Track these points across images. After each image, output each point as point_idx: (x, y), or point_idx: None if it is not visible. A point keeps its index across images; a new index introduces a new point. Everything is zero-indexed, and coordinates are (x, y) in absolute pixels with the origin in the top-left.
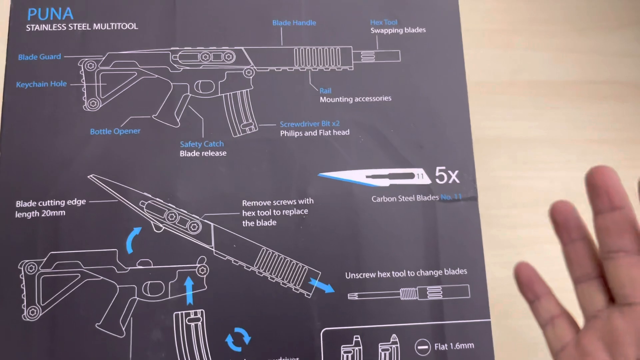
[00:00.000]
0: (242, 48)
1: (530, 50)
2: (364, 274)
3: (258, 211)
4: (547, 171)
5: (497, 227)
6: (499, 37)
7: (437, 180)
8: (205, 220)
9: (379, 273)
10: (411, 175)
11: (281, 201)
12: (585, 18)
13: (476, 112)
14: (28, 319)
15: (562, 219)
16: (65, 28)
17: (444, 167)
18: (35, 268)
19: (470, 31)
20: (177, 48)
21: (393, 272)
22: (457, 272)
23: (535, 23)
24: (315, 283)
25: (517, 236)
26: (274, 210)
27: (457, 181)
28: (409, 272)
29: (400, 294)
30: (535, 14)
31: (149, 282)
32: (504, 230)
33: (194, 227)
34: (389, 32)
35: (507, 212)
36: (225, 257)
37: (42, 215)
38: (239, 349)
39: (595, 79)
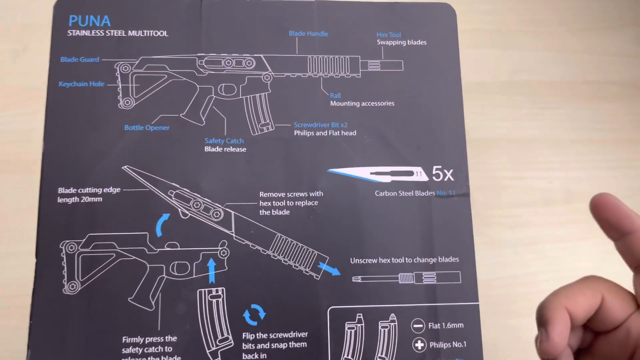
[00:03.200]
0: (262, 55)
1: (530, 50)
2: (366, 260)
3: (273, 202)
4: (547, 171)
5: (497, 227)
6: (499, 38)
7: (434, 178)
8: (226, 209)
9: (380, 259)
10: (410, 173)
11: (294, 193)
12: (585, 18)
13: (476, 112)
14: (68, 293)
15: (603, 217)
16: (103, 34)
17: (440, 166)
18: (75, 248)
19: (469, 31)
20: (203, 54)
21: (392, 259)
22: (449, 260)
23: (535, 23)
24: (324, 266)
25: (516, 236)
26: (288, 201)
27: (452, 179)
28: (406, 259)
29: (399, 278)
30: (535, 14)
31: (176, 262)
32: (503, 230)
33: (216, 214)
34: (393, 44)
35: (507, 212)
36: (243, 241)
37: (82, 201)
38: (255, 323)
39: (595, 79)
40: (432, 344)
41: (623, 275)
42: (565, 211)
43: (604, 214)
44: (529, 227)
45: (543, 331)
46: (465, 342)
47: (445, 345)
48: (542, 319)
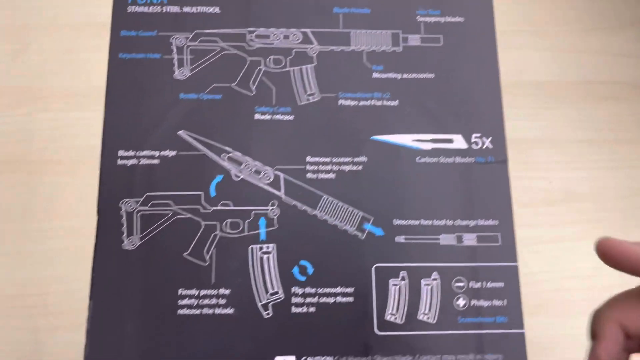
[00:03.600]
0: (308, 30)
1: (530, 50)
2: (409, 221)
3: (320, 166)
4: (547, 171)
5: None
6: (499, 38)
7: (473, 146)
8: (276, 172)
9: (422, 221)
10: (450, 141)
11: (339, 158)
12: (585, 18)
13: None
14: (128, 248)
15: (615, 265)
16: (160, 10)
17: (479, 135)
18: (133, 206)
19: None
20: (253, 29)
21: (434, 221)
22: (489, 222)
23: (535, 23)
24: (368, 227)
25: (516, 236)
26: (333, 166)
27: (490, 146)
28: (447, 221)
29: (440, 239)
30: (535, 14)
31: (229, 220)
32: None
33: (266, 176)
34: (433, 21)
35: None
36: (292, 202)
37: (140, 163)
38: (303, 278)
39: (595, 79)
40: (474, 302)
41: (623, 276)
42: (565, 211)
43: (614, 262)
44: (529, 227)
45: (592, 345)
46: (505, 300)
47: (486, 303)
48: (592, 332)
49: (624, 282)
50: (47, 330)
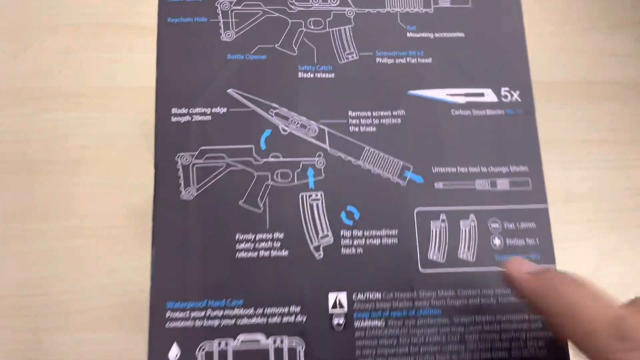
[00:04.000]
0: None
1: (531, 50)
2: (446, 168)
3: (361, 119)
4: (547, 171)
5: None
6: None
7: (503, 99)
8: (320, 126)
9: (458, 168)
10: (482, 94)
11: (379, 112)
12: (585, 18)
13: None
14: (185, 198)
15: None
16: None
17: (507, 88)
18: (189, 160)
19: None
20: None
21: (469, 168)
22: (520, 168)
23: (535, 23)
24: (409, 174)
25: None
26: (374, 119)
27: (519, 100)
28: (481, 167)
29: (476, 184)
30: (536, 14)
31: (280, 170)
32: None
33: (312, 130)
34: None
35: None
36: (337, 153)
37: (193, 120)
38: (350, 222)
39: (595, 79)
40: (508, 240)
41: (623, 276)
42: (565, 211)
43: (510, 286)
44: None
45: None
46: (537, 239)
47: (520, 242)
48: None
49: (624, 282)
50: (47, 330)
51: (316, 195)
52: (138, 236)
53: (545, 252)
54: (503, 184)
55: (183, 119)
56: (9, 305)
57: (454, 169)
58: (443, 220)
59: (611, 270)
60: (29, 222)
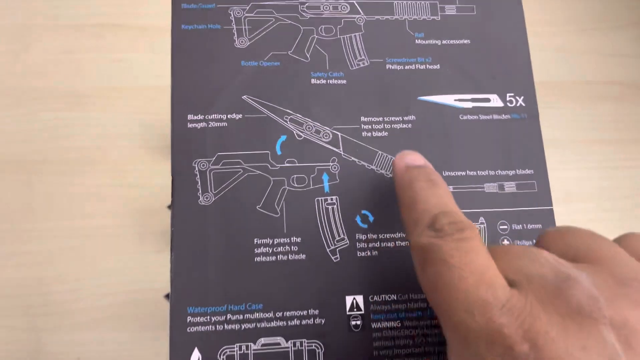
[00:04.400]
0: (355, 1)
1: (531, 50)
2: (456, 172)
3: (373, 125)
4: (548, 171)
5: None
6: None
7: (508, 104)
8: (334, 131)
9: (467, 172)
10: (488, 100)
11: (390, 117)
12: (585, 18)
13: None
14: (204, 203)
15: None
16: None
17: (512, 94)
18: (206, 165)
19: None
20: (304, 0)
21: (478, 171)
22: (526, 171)
23: (535, 23)
24: None
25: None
26: (385, 124)
27: (523, 104)
28: (489, 171)
29: (484, 187)
30: (535, 14)
31: (295, 175)
32: None
33: (326, 136)
34: None
35: None
36: (350, 158)
37: (209, 126)
38: (365, 226)
39: (595, 79)
40: (516, 242)
41: None
42: (565, 211)
43: None
44: None
45: None
46: None
47: (528, 243)
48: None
49: None
50: (47, 330)
51: (331, 199)
52: (138, 236)
53: None
54: (510, 187)
55: (199, 125)
56: (9, 305)
57: (463, 173)
58: None
59: None
60: (29, 222)
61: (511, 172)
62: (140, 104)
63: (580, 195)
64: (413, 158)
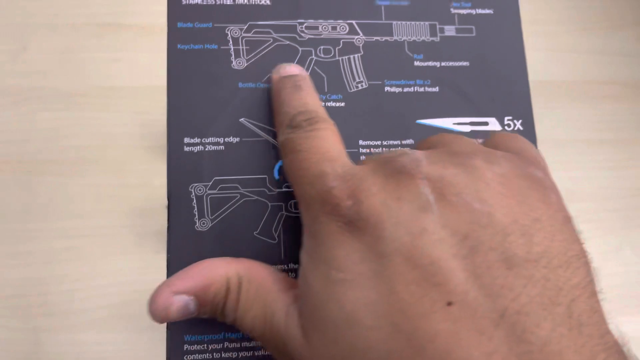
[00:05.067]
0: (354, 22)
1: (531, 50)
2: None
3: (371, 148)
4: None
5: None
6: None
7: (506, 127)
8: None
9: None
10: (486, 123)
11: (389, 141)
12: (585, 18)
13: None
14: (200, 229)
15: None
16: (213, 2)
17: (510, 117)
18: (203, 190)
19: None
20: (303, 20)
21: None
22: None
23: (535, 23)
24: None
25: None
26: (383, 148)
27: (521, 128)
28: None
29: None
30: (536, 14)
31: (293, 201)
32: None
33: None
34: (465, 12)
35: None
36: None
37: (206, 149)
38: None
39: (595, 79)
40: None
41: (623, 276)
42: None
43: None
44: None
45: None
46: None
47: None
48: None
49: (625, 281)
50: (47, 330)
51: None
52: (138, 236)
53: None
54: None
55: (196, 149)
56: (8, 305)
57: None
58: None
59: (612, 270)
60: (29, 222)
61: None
62: (140, 104)
63: (581, 195)
64: (288, 69)
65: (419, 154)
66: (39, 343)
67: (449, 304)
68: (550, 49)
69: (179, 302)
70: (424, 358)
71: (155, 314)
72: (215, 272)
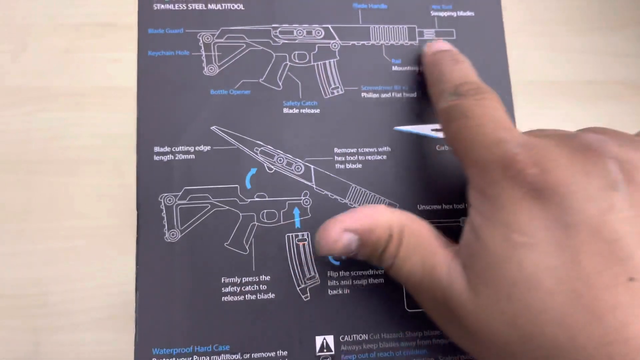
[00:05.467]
0: (329, 26)
1: (530, 50)
2: (431, 206)
3: (347, 157)
4: None
5: None
6: None
7: None
8: (306, 163)
9: (443, 205)
10: None
11: (365, 149)
12: (585, 18)
13: None
14: (170, 240)
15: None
16: (185, 7)
17: None
18: (172, 200)
19: None
20: (277, 25)
21: (454, 205)
22: None
23: (535, 23)
24: None
25: None
26: (359, 156)
27: None
28: (466, 204)
29: (460, 221)
30: (535, 14)
31: (265, 210)
32: None
33: (298, 168)
34: (445, 15)
35: None
36: (323, 191)
37: (176, 158)
38: (338, 263)
39: (595, 79)
40: None
41: None
42: None
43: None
44: None
45: None
46: None
47: None
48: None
49: None
50: (47, 330)
51: (303, 235)
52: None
53: None
54: None
55: (166, 158)
56: (7, 305)
57: (439, 207)
58: None
59: None
60: (28, 222)
61: None
62: None
63: None
64: (440, 45)
65: (601, 134)
66: (39, 343)
67: (631, 279)
68: (551, 49)
69: (346, 238)
70: (600, 326)
71: (324, 246)
72: (381, 217)
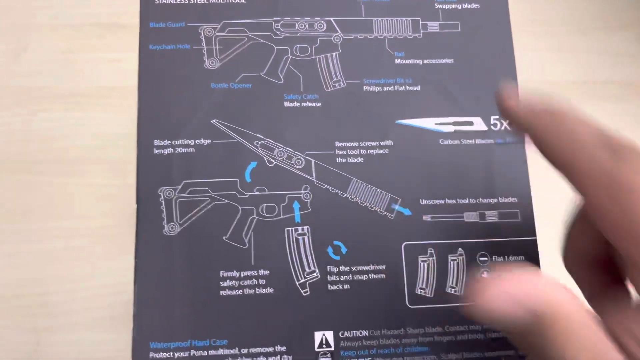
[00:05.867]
0: (332, 19)
1: (531, 50)
2: (435, 201)
3: (348, 150)
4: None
5: None
6: None
7: (492, 127)
8: (307, 157)
9: (446, 200)
10: (471, 123)
11: (366, 142)
12: (585, 18)
13: None
14: (169, 233)
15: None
16: (187, 1)
17: (497, 117)
18: (172, 194)
19: None
20: (279, 18)
21: (458, 199)
22: (509, 200)
23: (535, 23)
24: (397, 207)
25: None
26: (361, 150)
27: (508, 128)
28: (470, 199)
29: (464, 216)
30: (535, 14)
31: (265, 204)
32: None
33: (298, 162)
34: (450, 7)
35: None
36: (324, 186)
37: (176, 152)
38: (337, 258)
39: (595, 79)
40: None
41: None
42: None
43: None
44: None
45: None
46: None
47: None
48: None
49: None
50: (47, 330)
51: (302, 229)
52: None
53: None
54: (492, 216)
55: (166, 151)
56: (8, 305)
57: (442, 201)
58: (431, 255)
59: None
60: (28, 222)
61: (493, 201)
62: None
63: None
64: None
65: None
66: (39, 343)
67: None
68: (551, 49)
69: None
70: None
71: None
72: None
